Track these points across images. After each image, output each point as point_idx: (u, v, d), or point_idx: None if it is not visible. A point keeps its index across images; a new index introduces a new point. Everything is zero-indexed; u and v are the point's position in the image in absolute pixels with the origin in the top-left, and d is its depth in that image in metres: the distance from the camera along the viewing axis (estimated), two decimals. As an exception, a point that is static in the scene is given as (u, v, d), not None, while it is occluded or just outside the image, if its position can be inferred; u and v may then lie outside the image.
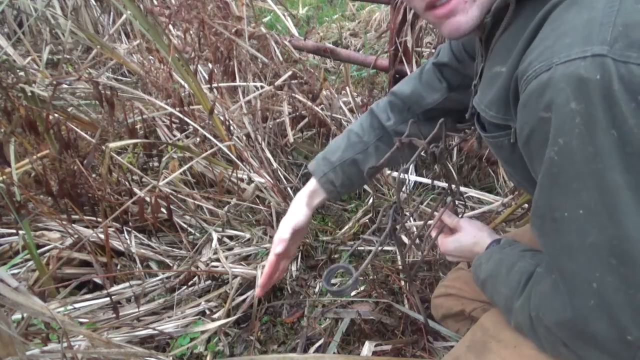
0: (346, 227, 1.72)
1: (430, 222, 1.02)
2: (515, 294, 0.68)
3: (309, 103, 1.84)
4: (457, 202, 1.03)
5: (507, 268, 0.72)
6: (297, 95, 1.87)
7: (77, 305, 1.28)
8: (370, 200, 1.76)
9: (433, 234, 0.99)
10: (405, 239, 1.54)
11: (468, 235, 0.90)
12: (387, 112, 1.00)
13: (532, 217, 0.61)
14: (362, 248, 1.61)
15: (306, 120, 1.94)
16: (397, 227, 0.92)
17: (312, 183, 0.99)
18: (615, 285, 0.51)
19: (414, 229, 1.63)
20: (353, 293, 1.43)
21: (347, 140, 0.99)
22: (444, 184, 1.84)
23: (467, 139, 1.95)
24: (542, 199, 0.57)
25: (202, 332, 1.27)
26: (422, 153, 0.85)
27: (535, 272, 0.66)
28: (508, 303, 0.70)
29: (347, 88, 1.98)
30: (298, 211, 0.97)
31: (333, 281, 1.51)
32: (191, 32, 2.14)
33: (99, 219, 1.45)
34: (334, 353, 1.21)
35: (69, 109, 1.90)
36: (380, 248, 0.90)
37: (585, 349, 0.57)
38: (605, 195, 0.50)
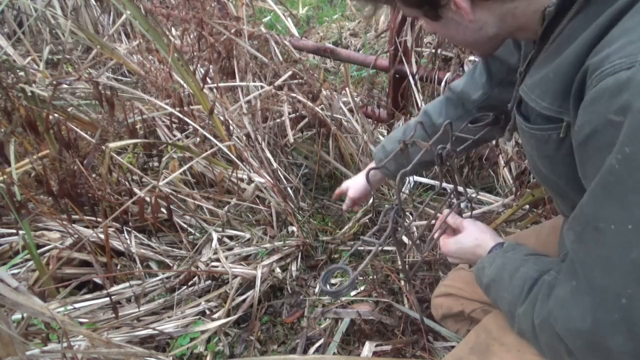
0: (346, 227, 1.72)
1: (433, 222, 1.02)
2: (518, 300, 0.67)
3: (309, 103, 1.84)
4: (463, 203, 1.03)
5: (509, 273, 0.71)
6: (297, 95, 1.87)
7: (77, 305, 1.28)
8: (370, 200, 1.76)
9: (436, 234, 0.98)
10: (406, 240, 1.54)
11: (470, 237, 0.88)
12: (442, 109, 1.04)
13: (572, 221, 0.57)
14: (362, 248, 1.61)
15: (306, 120, 1.94)
16: (398, 228, 0.92)
17: (373, 164, 1.14)
18: None
19: (415, 229, 1.63)
20: (353, 293, 1.43)
21: (402, 133, 1.10)
22: (447, 185, 1.84)
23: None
24: (589, 206, 0.54)
25: (202, 332, 1.27)
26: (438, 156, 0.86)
27: (540, 279, 0.65)
28: (511, 308, 0.69)
29: (347, 88, 1.98)
30: (358, 180, 1.22)
31: (333, 281, 1.51)
32: (190, 32, 2.14)
33: (99, 219, 1.45)
34: (334, 353, 1.21)
35: (69, 109, 1.90)
36: (380, 249, 0.90)
37: None
38: None
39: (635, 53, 0.46)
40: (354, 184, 1.22)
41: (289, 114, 1.94)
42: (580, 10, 0.56)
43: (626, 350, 0.52)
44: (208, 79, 2.08)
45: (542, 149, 0.66)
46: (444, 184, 1.82)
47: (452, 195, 1.05)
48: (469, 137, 0.96)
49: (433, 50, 1.95)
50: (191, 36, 2.13)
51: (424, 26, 0.73)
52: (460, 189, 1.05)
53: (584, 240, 0.55)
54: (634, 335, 0.51)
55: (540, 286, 0.64)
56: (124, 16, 2.69)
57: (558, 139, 0.61)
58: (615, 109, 0.47)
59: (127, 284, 1.36)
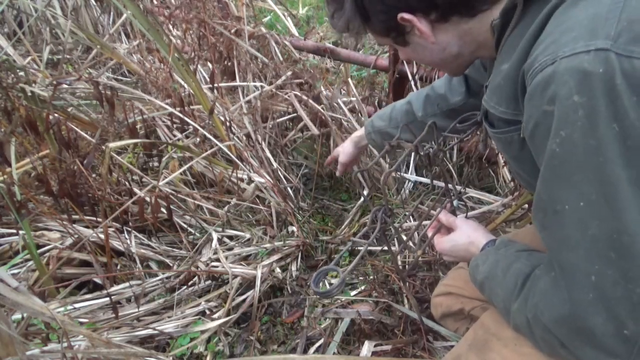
0: (345, 226, 1.72)
1: (426, 221, 1.02)
2: (512, 296, 0.68)
3: (311, 101, 1.84)
4: (457, 202, 1.04)
5: (502, 270, 0.72)
6: (297, 93, 1.87)
7: (77, 305, 1.28)
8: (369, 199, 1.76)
9: (429, 233, 1.00)
10: (397, 242, 1.54)
11: (463, 235, 0.90)
12: (422, 102, 1.12)
13: (534, 210, 0.61)
14: (362, 248, 1.61)
15: (309, 120, 1.94)
16: (388, 228, 0.93)
17: (362, 130, 1.30)
18: (614, 278, 0.51)
19: (413, 228, 1.63)
20: (353, 293, 1.43)
21: (389, 113, 1.20)
22: (439, 183, 1.84)
23: (466, 139, 1.95)
24: (544, 192, 0.57)
25: (202, 332, 1.27)
26: (418, 154, 0.88)
27: (532, 274, 0.66)
28: (506, 305, 0.70)
29: (347, 87, 1.98)
30: (347, 147, 1.34)
31: (332, 281, 1.51)
32: (191, 32, 2.14)
33: (99, 219, 1.45)
34: (334, 353, 1.21)
35: (69, 109, 1.89)
36: (368, 249, 0.91)
37: (583, 348, 0.56)
38: (605, 188, 0.50)
39: (556, 50, 0.52)
40: (344, 150, 1.35)
41: (289, 113, 1.94)
42: (519, 20, 0.63)
43: (608, 332, 0.53)
44: (208, 79, 2.08)
45: (509, 151, 0.72)
46: (437, 182, 1.82)
47: (445, 194, 1.06)
48: (455, 135, 0.99)
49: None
50: (192, 36, 2.13)
51: (399, 54, 0.81)
52: (451, 186, 1.05)
53: (547, 226, 0.58)
54: (611, 312, 0.52)
55: (532, 281, 0.65)
56: (124, 16, 2.69)
57: (519, 139, 0.66)
58: (547, 100, 0.53)
59: (127, 284, 1.36)
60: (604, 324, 0.53)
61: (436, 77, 1.90)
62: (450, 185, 1.05)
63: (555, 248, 0.58)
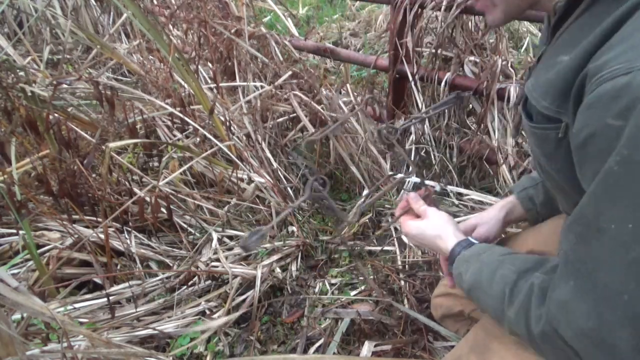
0: (345, 227, 1.72)
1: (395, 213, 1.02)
2: (502, 305, 0.67)
3: (312, 102, 1.84)
4: (435, 195, 1.01)
5: (487, 278, 0.71)
6: (297, 93, 1.87)
7: (77, 305, 1.28)
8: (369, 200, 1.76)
9: (397, 212, 0.99)
10: (397, 242, 1.54)
11: (432, 226, 0.88)
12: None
13: (572, 222, 0.57)
14: (358, 248, 1.61)
15: (307, 119, 1.94)
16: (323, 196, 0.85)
17: (510, 198, 1.01)
18: None
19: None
20: (353, 293, 1.43)
21: (522, 181, 1.02)
22: (446, 186, 1.84)
23: (467, 139, 1.95)
24: (590, 207, 0.54)
25: (202, 332, 1.27)
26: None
27: (521, 280, 0.66)
28: (498, 314, 0.69)
29: (347, 85, 1.98)
30: (485, 217, 1.00)
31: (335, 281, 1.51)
32: (191, 32, 2.14)
33: (99, 219, 1.45)
34: (334, 353, 1.21)
35: (69, 109, 1.90)
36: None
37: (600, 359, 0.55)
38: None
39: (633, 59, 0.47)
40: (478, 230, 1.02)
41: (289, 113, 1.94)
42: (587, 8, 0.58)
43: (631, 346, 0.52)
44: (209, 79, 2.09)
45: (542, 147, 0.67)
46: (440, 184, 1.82)
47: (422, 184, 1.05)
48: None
49: (433, 51, 1.95)
50: (193, 36, 2.13)
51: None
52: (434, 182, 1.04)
53: (585, 241, 0.55)
54: (637, 329, 0.52)
55: (529, 290, 0.63)
56: (124, 16, 2.69)
57: (556, 138, 0.62)
58: (614, 114, 0.48)
59: (127, 284, 1.36)
60: (628, 339, 0.52)
61: (436, 77, 1.90)
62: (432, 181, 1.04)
63: (589, 263, 0.55)
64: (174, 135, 1.85)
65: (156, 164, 1.78)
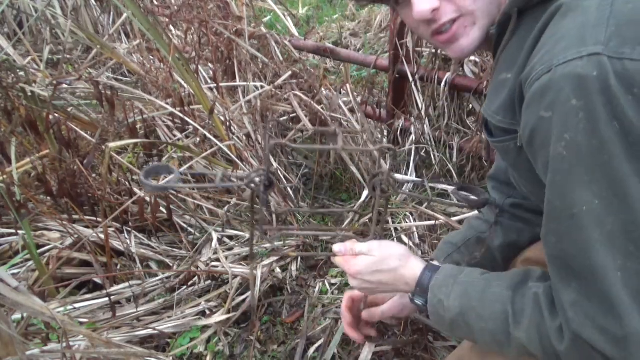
0: (345, 226, 1.72)
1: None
2: (505, 325, 0.64)
3: (312, 102, 1.84)
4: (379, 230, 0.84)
5: (477, 299, 0.67)
6: (297, 93, 1.87)
7: (77, 305, 1.28)
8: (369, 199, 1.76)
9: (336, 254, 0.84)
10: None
11: (389, 256, 0.77)
12: (493, 194, 1.01)
13: (546, 223, 0.59)
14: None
15: (306, 119, 1.94)
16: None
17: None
18: (636, 270, 0.52)
19: (414, 229, 1.63)
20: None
21: (468, 224, 1.05)
22: (445, 185, 1.84)
23: (467, 139, 1.95)
24: (556, 198, 0.57)
25: (202, 332, 1.27)
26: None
27: (518, 294, 0.64)
28: (499, 337, 0.65)
29: (347, 85, 1.98)
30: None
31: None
32: (192, 32, 2.15)
33: (99, 219, 1.45)
34: (334, 353, 1.21)
35: (69, 109, 1.89)
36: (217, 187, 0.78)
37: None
38: (614, 184, 0.52)
39: (551, 59, 0.54)
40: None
41: (289, 113, 1.94)
42: (515, 28, 0.65)
43: (636, 317, 0.52)
44: (209, 79, 2.09)
45: (506, 158, 0.73)
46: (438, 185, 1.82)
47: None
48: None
49: (433, 51, 1.95)
50: (194, 36, 2.13)
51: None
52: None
53: (565, 233, 0.57)
54: (637, 303, 0.53)
55: (535, 303, 0.62)
56: (124, 16, 2.69)
57: (516, 148, 0.67)
58: (544, 107, 0.55)
59: (127, 284, 1.36)
60: (634, 312, 0.53)
61: (436, 77, 1.90)
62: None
63: (578, 254, 0.56)
64: (174, 135, 1.85)
65: (156, 164, 1.78)
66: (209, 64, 2.19)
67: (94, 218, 1.48)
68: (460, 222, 1.62)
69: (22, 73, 1.76)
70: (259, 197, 0.73)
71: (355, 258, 0.79)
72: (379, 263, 0.77)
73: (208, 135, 1.66)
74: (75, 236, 1.38)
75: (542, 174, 0.60)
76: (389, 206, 1.81)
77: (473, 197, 0.91)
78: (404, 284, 0.77)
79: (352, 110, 1.95)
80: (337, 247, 0.82)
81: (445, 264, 0.77)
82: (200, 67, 2.13)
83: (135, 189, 1.53)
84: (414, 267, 0.76)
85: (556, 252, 0.59)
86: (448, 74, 1.87)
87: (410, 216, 1.69)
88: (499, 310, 0.65)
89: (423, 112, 1.99)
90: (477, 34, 0.68)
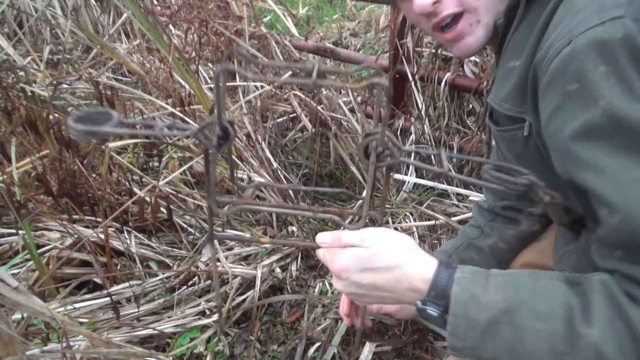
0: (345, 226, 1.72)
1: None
2: (570, 322, 0.50)
3: (311, 101, 1.84)
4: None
5: (531, 292, 0.53)
6: (297, 93, 1.87)
7: (77, 305, 1.28)
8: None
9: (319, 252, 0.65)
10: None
11: (387, 251, 0.58)
12: (486, 196, 1.02)
13: (600, 206, 0.52)
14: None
15: (306, 119, 1.94)
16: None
17: None
18: None
19: (414, 229, 1.63)
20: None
21: (461, 231, 1.04)
22: (445, 186, 1.84)
23: (467, 139, 1.95)
24: (612, 168, 0.50)
25: (202, 332, 1.27)
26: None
27: (603, 280, 0.52)
28: (558, 343, 0.50)
29: (347, 85, 1.98)
30: None
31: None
32: (192, 32, 2.14)
33: (99, 219, 1.45)
34: (334, 353, 1.21)
35: (69, 109, 1.89)
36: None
37: None
38: None
39: (569, 32, 0.52)
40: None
41: (289, 113, 1.94)
42: (522, 17, 0.64)
43: None
44: (209, 79, 2.09)
45: (512, 149, 0.70)
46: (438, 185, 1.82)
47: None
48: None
49: (433, 51, 1.95)
50: (194, 36, 2.13)
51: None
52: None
53: (628, 207, 0.49)
54: None
55: (606, 289, 0.51)
56: (124, 16, 2.69)
57: (523, 137, 0.65)
58: (569, 79, 0.52)
59: (127, 284, 1.36)
60: None
61: (436, 77, 1.90)
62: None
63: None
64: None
65: (156, 164, 1.78)
66: (209, 64, 2.18)
67: (94, 218, 1.48)
68: (461, 222, 1.62)
69: (22, 73, 1.76)
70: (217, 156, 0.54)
71: (343, 250, 0.60)
72: (374, 258, 0.57)
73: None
74: (75, 236, 1.38)
75: (564, 161, 0.56)
76: (388, 206, 1.81)
77: (509, 178, 0.79)
78: (408, 288, 0.57)
79: (352, 110, 1.95)
80: (320, 237, 0.63)
81: (466, 266, 0.61)
82: (200, 67, 2.13)
83: (135, 189, 1.52)
84: (424, 264, 0.57)
85: (622, 233, 0.50)
86: (448, 74, 1.87)
87: (410, 216, 1.69)
88: (560, 303, 0.51)
89: (423, 112, 1.99)
90: (483, 31, 0.67)
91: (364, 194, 1.85)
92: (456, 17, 0.66)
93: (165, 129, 0.47)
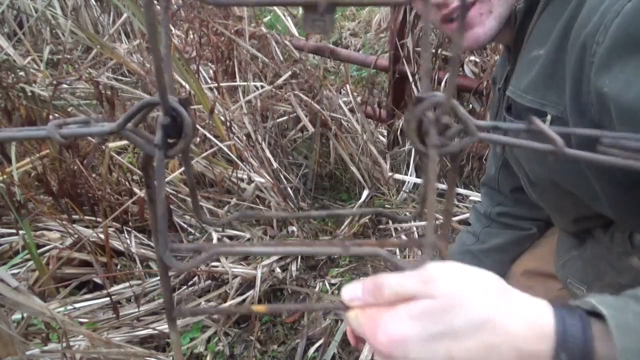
0: (344, 227, 1.72)
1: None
2: None
3: (312, 102, 1.84)
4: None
5: None
6: (297, 93, 1.87)
7: (77, 305, 1.28)
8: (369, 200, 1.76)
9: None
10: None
11: (468, 300, 0.33)
12: (483, 200, 1.01)
13: None
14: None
15: (306, 119, 1.94)
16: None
17: None
18: None
19: (414, 229, 1.63)
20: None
21: (457, 239, 1.04)
22: (445, 185, 1.84)
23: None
24: None
25: (202, 332, 1.27)
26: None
27: None
28: None
29: (347, 86, 1.98)
30: None
31: (333, 281, 1.50)
32: (192, 31, 2.14)
33: (99, 219, 1.45)
34: (334, 353, 1.21)
35: (69, 109, 1.89)
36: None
37: None
38: None
39: None
40: None
41: (289, 113, 1.94)
42: (546, 6, 0.60)
43: None
44: (209, 79, 2.09)
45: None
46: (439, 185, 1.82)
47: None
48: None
49: (433, 50, 1.95)
50: (194, 36, 2.13)
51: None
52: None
53: None
54: None
55: None
56: (124, 16, 2.69)
57: None
58: (637, 32, 0.46)
59: (127, 284, 1.36)
60: None
61: (436, 77, 1.90)
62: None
63: None
64: (174, 135, 1.84)
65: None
66: (209, 64, 2.18)
67: (94, 218, 1.48)
68: (460, 222, 1.62)
69: (22, 73, 1.76)
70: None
71: (390, 309, 0.34)
72: (449, 313, 0.32)
73: (208, 135, 1.66)
74: (75, 236, 1.38)
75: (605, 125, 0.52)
76: (389, 206, 1.81)
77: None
78: (513, 347, 0.32)
79: (352, 110, 1.95)
80: (348, 292, 0.36)
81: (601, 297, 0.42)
82: (200, 67, 2.13)
83: (135, 189, 1.52)
84: (529, 310, 0.34)
85: None
86: (448, 74, 1.87)
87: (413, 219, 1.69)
88: None
89: (423, 112, 1.99)
90: (493, 23, 0.63)
91: (363, 194, 1.87)
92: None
93: (68, 128, 0.28)
